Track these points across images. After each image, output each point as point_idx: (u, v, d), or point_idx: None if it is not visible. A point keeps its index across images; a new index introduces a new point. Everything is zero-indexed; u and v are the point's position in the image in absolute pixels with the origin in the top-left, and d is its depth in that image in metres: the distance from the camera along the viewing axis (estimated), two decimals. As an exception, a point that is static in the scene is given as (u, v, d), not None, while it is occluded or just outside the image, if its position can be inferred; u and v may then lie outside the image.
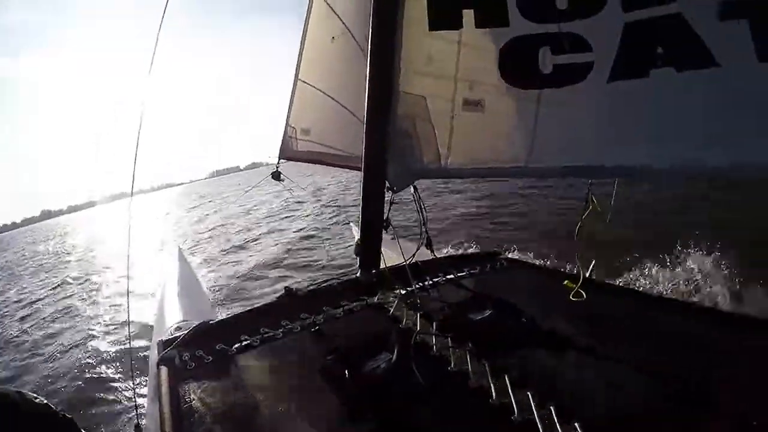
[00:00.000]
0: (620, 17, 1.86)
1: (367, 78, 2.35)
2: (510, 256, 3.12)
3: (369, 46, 2.33)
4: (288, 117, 3.58)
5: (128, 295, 2.84)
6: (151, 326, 3.64)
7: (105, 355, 6.12)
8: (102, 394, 4.93)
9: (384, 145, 2.43)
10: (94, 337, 7.08)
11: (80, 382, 5.42)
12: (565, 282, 2.30)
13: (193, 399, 1.65)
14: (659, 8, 1.76)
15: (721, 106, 1.74)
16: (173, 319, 2.89)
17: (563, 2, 1.97)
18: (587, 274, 2.27)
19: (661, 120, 1.88)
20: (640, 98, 1.89)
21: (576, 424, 1.28)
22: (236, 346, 2.00)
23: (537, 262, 3.35)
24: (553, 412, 1.34)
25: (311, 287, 2.68)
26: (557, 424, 1.30)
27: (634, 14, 1.83)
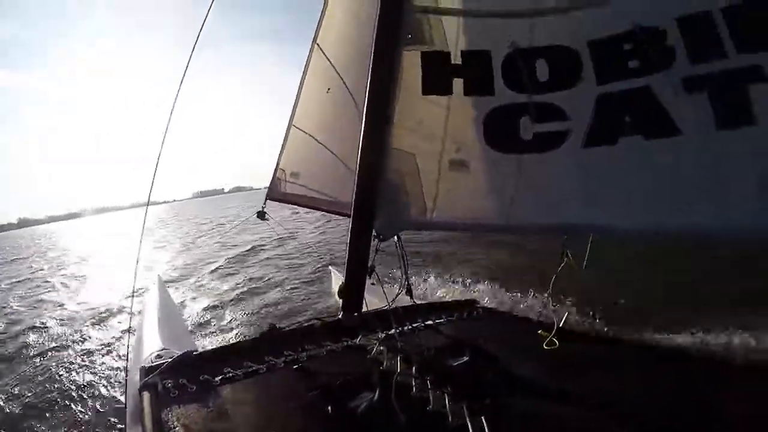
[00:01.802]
0: (594, 90, 2.10)
1: (362, 133, 2.51)
2: (486, 305, 3.22)
3: (365, 105, 2.50)
4: (279, 160, 3.71)
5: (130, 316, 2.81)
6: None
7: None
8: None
9: (373, 196, 2.56)
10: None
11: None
12: (539, 331, 2.41)
13: (176, 426, 1.66)
14: (628, 81, 2.01)
15: (683, 172, 1.95)
16: (152, 346, 2.87)
17: (544, 75, 2.20)
18: (560, 324, 2.40)
19: (628, 183, 2.09)
20: (610, 163, 2.10)
21: None
22: (220, 377, 2.03)
23: (512, 312, 3.47)
24: None
25: (294, 326, 2.72)
26: None
27: (607, 87, 2.07)
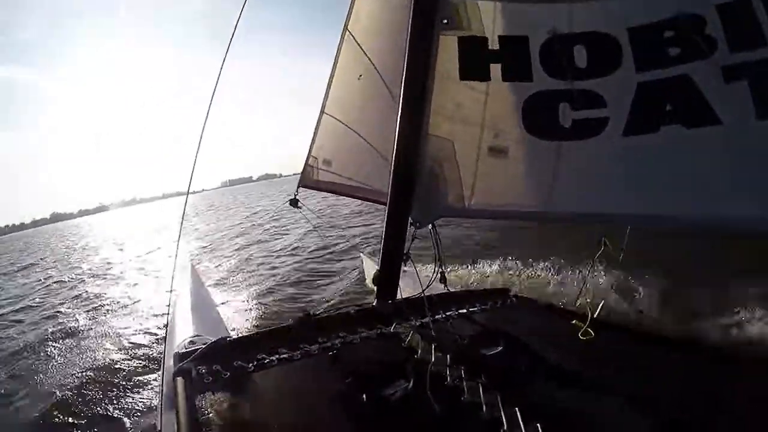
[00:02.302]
0: (633, 77, 2.06)
1: (398, 119, 2.49)
2: (519, 293, 3.20)
3: (401, 91, 2.48)
4: (311, 147, 3.72)
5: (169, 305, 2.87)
6: None
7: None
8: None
9: (411, 183, 2.55)
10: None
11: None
12: (574, 321, 2.38)
13: (210, 411, 1.70)
14: (668, 70, 1.97)
15: (724, 161, 1.91)
16: (185, 332, 2.92)
17: (582, 61, 2.16)
18: (595, 314, 2.37)
19: (670, 173, 2.04)
20: (652, 152, 2.06)
21: None
22: (253, 363, 2.05)
23: (546, 301, 3.44)
24: None
25: (328, 313, 2.75)
26: None
27: (646, 75, 2.04)
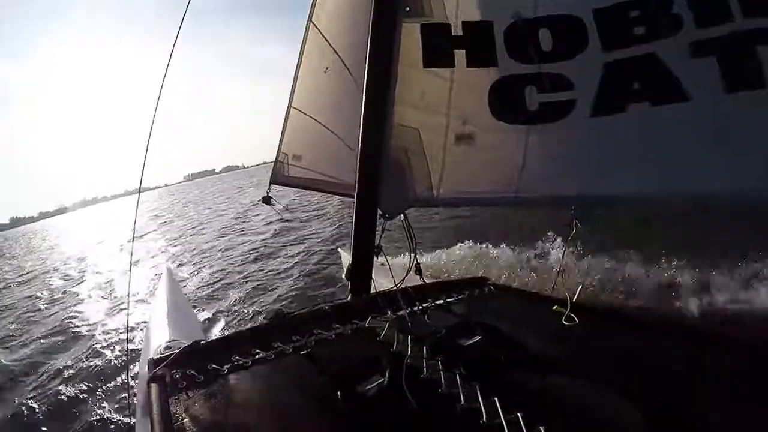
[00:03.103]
0: (600, 57, 2.05)
1: (363, 110, 2.45)
2: (497, 282, 3.17)
3: (365, 81, 2.43)
4: (280, 143, 3.66)
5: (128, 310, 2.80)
6: None
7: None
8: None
9: (377, 174, 2.50)
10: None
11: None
12: (555, 306, 2.35)
13: (184, 417, 1.64)
14: (635, 48, 1.96)
15: (695, 137, 1.91)
16: (162, 338, 2.86)
17: (548, 44, 2.14)
18: (574, 298, 2.34)
19: (639, 151, 2.04)
20: (620, 131, 2.05)
21: None
22: (227, 366, 1.99)
23: (524, 288, 3.41)
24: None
25: (302, 311, 2.69)
26: None
27: (613, 54, 2.02)
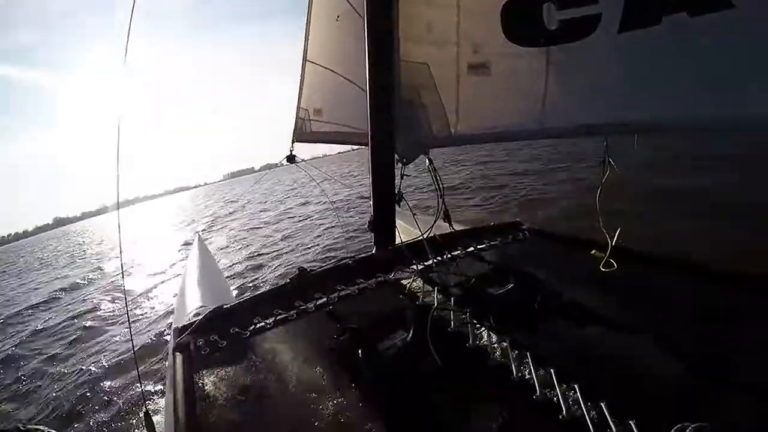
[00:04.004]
0: None
1: (366, 50, 2.31)
2: (532, 226, 2.98)
3: (365, 20, 2.28)
4: (299, 99, 3.58)
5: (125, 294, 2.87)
6: None
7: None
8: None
9: (389, 117, 2.38)
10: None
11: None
12: (593, 252, 2.19)
13: (207, 384, 1.65)
14: None
15: (741, 50, 1.62)
16: (193, 305, 2.92)
17: None
18: (613, 242, 2.15)
19: (677, 69, 1.77)
20: (655, 48, 1.77)
21: (601, 404, 1.19)
22: (250, 329, 2.00)
23: (561, 232, 3.19)
24: (577, 390, 1.26)
25: (325, 267, 2.66)
26: (581, 403, 1.22)
27: None
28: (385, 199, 2.57)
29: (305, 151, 3.67)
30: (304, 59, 3.44)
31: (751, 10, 1.52)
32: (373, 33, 2.29)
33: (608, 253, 2.10)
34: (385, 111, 2.37)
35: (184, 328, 2.07)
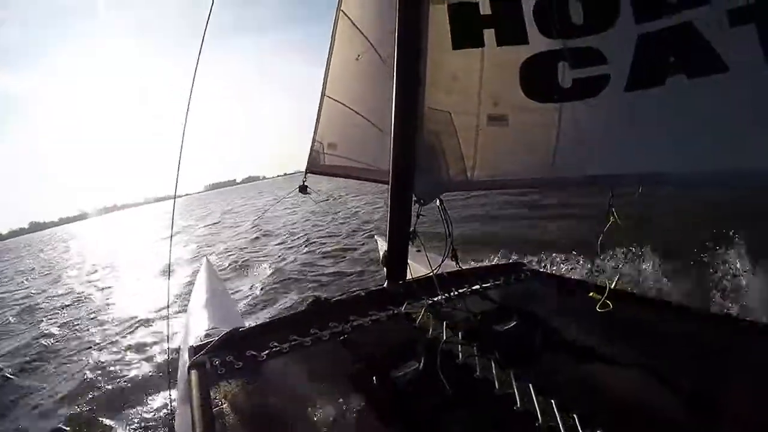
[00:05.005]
0: (633, 29, 1.94)
1: (394, 95, 2.43)
2: (533, 267, 3.12)
3: (395, 65, 2.41)
4: (315, 132, 3.70)
5: (168, 304, 2.92)
6: None
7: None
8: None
9: (411, 159, 2.50)
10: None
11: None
12: (591, 294, 2.30)
13: (223, 403, 1.70)
14: (670, 18, 1.84)
15: (736, 109, 1.79)
16: (202, 326, 2.97)
17: (578, 18, 2.05)
18: (612, 285, 2.28)
19: (676, 126, 1.94)
20: (658, 106, 1.95)
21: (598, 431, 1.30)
22: (266, 352, 2.05)
23: (561, 274, 3.33)
24: (576, 419, 1.37)
25: (339, 297, 2.75)
26: (580, 431, 1.33)
27: (646, 26, 1.91)
28: (401, 237, 2.67)
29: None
30: (323, 93, 3.57)
31: (744, 72, 1.72)
32: (401, 79, 2.42)
33: (606, 294, 2.21)
34: (408, 153, 2.49)
35: (200, 347, 2.11)
